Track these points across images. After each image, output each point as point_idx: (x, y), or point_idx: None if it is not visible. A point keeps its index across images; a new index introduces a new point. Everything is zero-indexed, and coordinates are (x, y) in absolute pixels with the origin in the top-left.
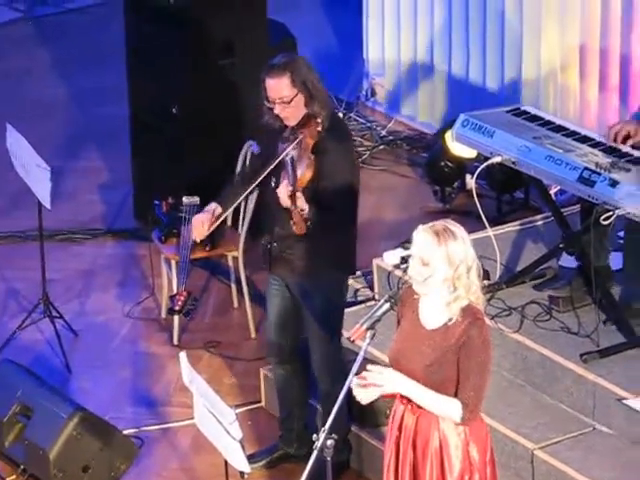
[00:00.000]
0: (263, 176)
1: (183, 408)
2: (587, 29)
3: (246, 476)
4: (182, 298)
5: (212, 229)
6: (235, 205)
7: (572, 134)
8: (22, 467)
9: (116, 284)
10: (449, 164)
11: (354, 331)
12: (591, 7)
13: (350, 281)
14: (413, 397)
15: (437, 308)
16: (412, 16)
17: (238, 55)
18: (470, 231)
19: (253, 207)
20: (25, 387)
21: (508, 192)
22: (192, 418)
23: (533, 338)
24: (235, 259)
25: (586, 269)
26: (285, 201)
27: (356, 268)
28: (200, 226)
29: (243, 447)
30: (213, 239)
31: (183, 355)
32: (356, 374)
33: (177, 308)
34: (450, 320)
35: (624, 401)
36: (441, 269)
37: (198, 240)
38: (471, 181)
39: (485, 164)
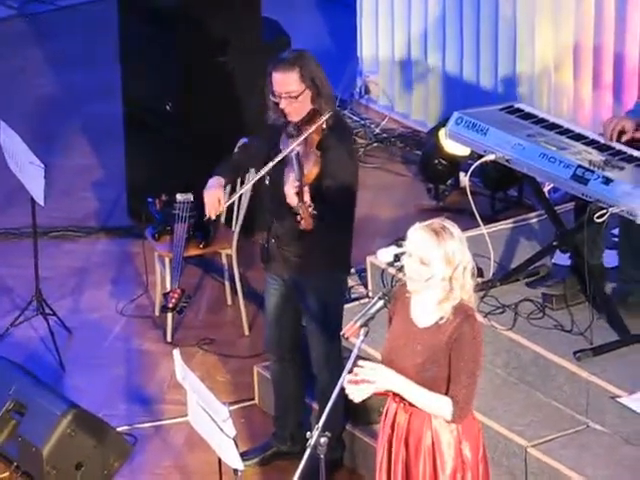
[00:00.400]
0: (271, 167)
1: (177, 405)
2: (581, 27)
3: (239, 473)
4: (176, 295)
5: (226, 206)
6: (246, 187)
7: (566, 132)
8: (15, 464)
9: (110, 281)
10: (443, 162)
11: (348, 328)
12: (585, 5)
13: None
14: (404, 394)
15: (429, 306)
16: (406, 14)
17: (232, 53)
18: (464, 229)
19: (247, 205)
20: (19, 384)
21: (502, 190)
22: (186, 415)
23: (527, 336)
24: (229, 256)
25: (580, 267)
26: (292, 198)
27: (350, 269)
28: (216, 202)
29: (236, 444)
30: (207, 236)
31: (177, 352)
32: (349, 371)
33: (170, 305)
34: (442, 319)
35: (618, 399)
36: (440, 269)
37: (213, 217)
38: (465, 179)
39: (479, 162)
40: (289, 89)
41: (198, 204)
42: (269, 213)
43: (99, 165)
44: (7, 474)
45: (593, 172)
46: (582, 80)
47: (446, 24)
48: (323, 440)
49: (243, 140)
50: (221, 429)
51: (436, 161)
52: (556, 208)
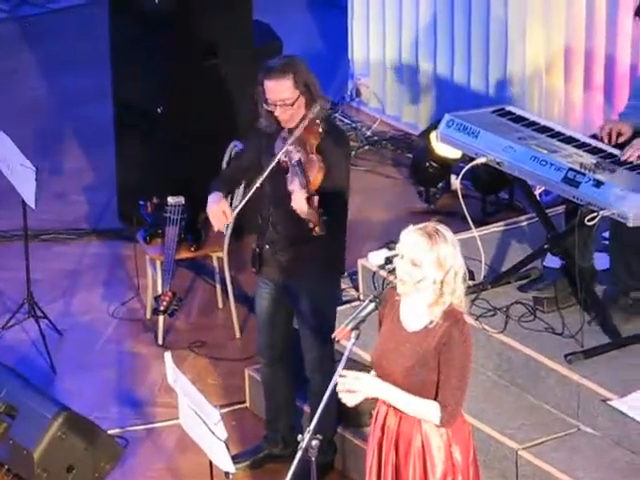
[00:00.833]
0: (268, 172)
1: (168, 408)
2: (572, 30)
3: (231, 476)
4: (167, 298)
5: (234, 216)
6: (247, 198)
7: (557, 135)
8: (6, 467)
9: (101, 284)
10: (434, 165)
11: (339, 331)
12: (576, 8)
13: (340, 284)
14: (390, 401)
15: (419, 310)
16: (397, 17)
17: (223, 56)
18: (455, 231)
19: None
20: (10, 387)
21: (493, 193)
22: (177, 418)
23: (518, 338)
24: (220, 260)
25: (571, 270)
26: (302, 206)
27: (344, 271)
28: (221, 214)
29: (228, 447)
30: (198, 239)
31: (168, 355)
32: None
33: (162, 308)
34: (431, 322)
35: (608, 402)
36: (431, 272)
37: (222, 229)
38: (456, 182)
39: (470, 165)
40: (283, 96)
41: (189, 207)
42: (263, 218)
43: (90, 168)
44: None
45: (584, 175)
46: (573, 83)
47: (437, 27)
48: (314, 443)
49: (235, 143)
50: (212, 432)
51: (427, 164)
52: (547, 211)
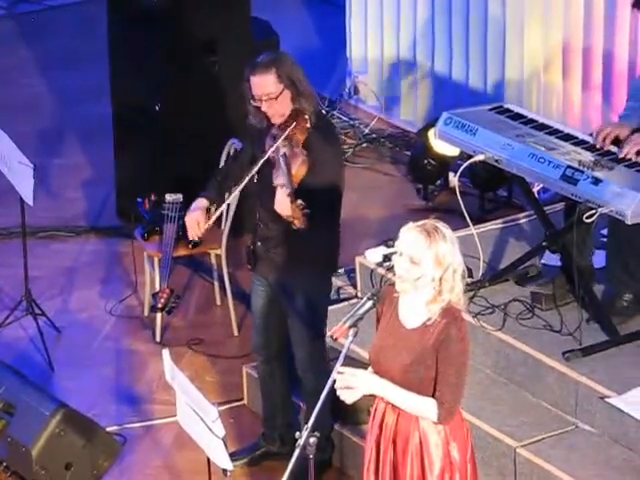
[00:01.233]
0: (255, 170)
1: (166, 405)
2: (570, 28)
3: (228, 474)
4: (165, 296)
5: (207, 228)
6: (227, 203)
7: (555, 132)
8: (4, 464)
9: (99, 281)
10: (432, 162)
11: (337, 329)
12: (574, 6)
13: (333, 279)
14: (388, 398)
15: (417, 307)
16: (395, 14)
17: (222, 53)
18: (453, 229)
19: (235, 205)
20: (8, 384)
21: (491, 190)
22: (175, 415)
23: (516, 336)
24: (218, 257)
25: (569, 267)
26: (285, 203)
27: (338, 266)
28: (195, 225)
29: (226, 445)
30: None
31: (166, 352)
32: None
33: (160, 305)
34: (429, 320)
35: (607, 399)
36: (430, 269)
37: (196, 239)
38: (454, 179)
39: (468, 162)
40: (267, 91)
41: (187, 204)
42: (255, 215)
43: (88, 165)
44: None
45: (582, 172)
46: (571, 81)
47: (435, 25)
48: (312, 440)
49: (233, 140)
50: (210, 429)
51: (425, 161)
52: (545, 208)
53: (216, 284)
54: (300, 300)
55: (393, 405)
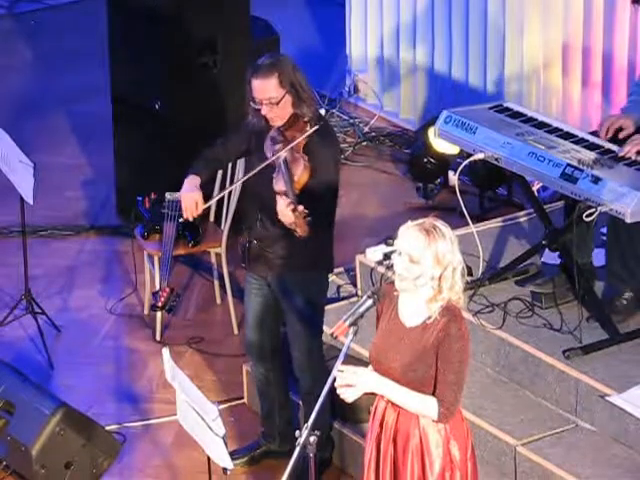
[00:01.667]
0: (252, 174)
1: (166, 404)
2: (570, 26)
3: (229, 472)
4: (165, 294)
5: (204, 209)
6: (223, 194)
7: (555, 130)
8: (4, 463)
9: (99, 280)
10: (432, 160)
11: (337, 327)
12: (574, 4)
13: (333, 277)
14: (388, 396)
15: (417, 306)
16: (395, 13)
17: (221, 52)
18: (453, 227)
19: (235, 204)
20: (7, 383)
21: (491, 188)
22: (175, 414)
23: (516, 334)
24: (218, 255)
25: (569, 266)
26: (287, 212)
27: (334, 266)
28: (194, 205)
29: (226, 443)
30: (196, 235)
31: (166, 351)
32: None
33: (160, 304)
34: (429, 318)
35: (607, 398)
36: (429, 268)
37: (191, 219)
38: (454, 177)
39: (468, 160)
40: (269, 95)
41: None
42: (251, 214)
43: (88, 164)
44: None
45: (582, 171)
46: (571, 79)
47: (435, 23)
48: (312, 439)
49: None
50: (210, 428)
51: (425, 160)
52: (545, 207)
53: (216, 283)
54: (297, 299)
55: (393, 404)
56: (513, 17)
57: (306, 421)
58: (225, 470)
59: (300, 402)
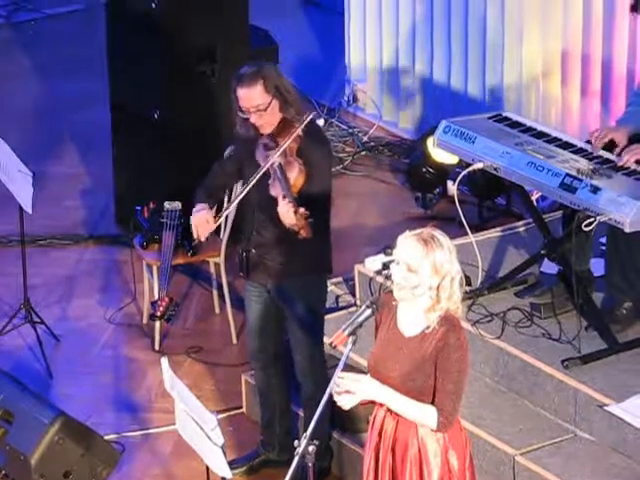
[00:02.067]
0: (254, 182)
1: (164, 414)
2: (569, 35)
3: None
4: (164, 304)
5: (215, 227)
6: (231, 209)
7: (554, 140)
8: (3, 472)
9: (98, 290)
10: (431, 170)
11: (336, 337)
12: (573, 13)
13: (331, 287)
14: (387, 404)
15: (415, 315)
16: (394, 23)
17: (220, 61)
18: (452, 237)
19: (234, 214)
20: (6, 392)
21: (490, 198)
22: (173, 424)
23: (514, 344)
24: (217, 265)
25: (567, 275)
26: (289, 217)
27: (333, 268)
28: (205, 223)
29: (224, 453)
30: (195, 245)
31: (165, 361)
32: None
33: (159, 314)
34: (428, 328)
35: (605, 407)
36: (427, 277)
37: (203, 238)
38: (453, 187)
39: (467, 170)
40: (256, 103)
41: (185, 212)
42: (248, 222)
43: (87, 173)
44: None
45: (581, 181)
46: (570, 88)
47: (434, 33)
48: (311, 448)
49: (231, 148)
50: (209, 437)
51: (424, 169)
52: (544, 216)
53: (215, 292)
54: (298, 304)
55: (392, 413)
56: (512, 26)
57: (306, 429)
58: (224, 479)
59: (300, 412)
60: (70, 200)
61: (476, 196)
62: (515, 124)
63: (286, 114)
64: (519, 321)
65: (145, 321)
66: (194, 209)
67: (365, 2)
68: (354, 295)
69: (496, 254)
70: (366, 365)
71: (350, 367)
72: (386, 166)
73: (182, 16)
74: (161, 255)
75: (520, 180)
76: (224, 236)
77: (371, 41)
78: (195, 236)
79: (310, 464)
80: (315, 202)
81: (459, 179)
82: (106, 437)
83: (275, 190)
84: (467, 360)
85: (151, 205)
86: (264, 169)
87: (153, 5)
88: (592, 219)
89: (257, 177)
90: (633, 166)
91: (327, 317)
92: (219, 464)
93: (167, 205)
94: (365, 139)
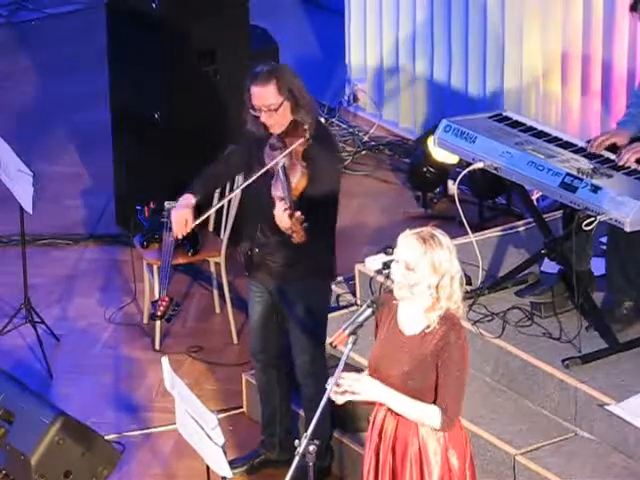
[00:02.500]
0: (251, 180)
1: (165, 413)
2: (569, 35)
3: None
4: (164, 303)
5: (194, 227)
6: (216, 208)
7: (554, 140)
8: (3, 472)
9: (98, 289)
10: (431, 170)
11: (336, 336)
12: (573, 13)
13: (332, 286)
14: (390, 405)
15: (416, 314)
16: (394, 22)
17: (220, 61)
18: (452, 236)
19: (235, 213)
20: (7, 392)
21: (490, 198)
22: (174, 423)
23: (515, 344)
24: (217, 264)
25: (568, 275)
26: (284, 220)
27: (336, 273)
28: (183, 222)
29: (225, 452)
30: (195, 244)
31: (165, 360)
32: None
33: (159, 313)
34: (428, 327)
35: (606, 407)
36: (426, 276)
37: (180, 237)
38: (453, 187)
39: (467, 170)
40: (268, 102)
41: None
42: (252, 223)
43: (87, 173)
44: None
45: (581, 180)
46: (570, 88)
47: (434, 32)
48: (312, 448)
49: (232, 147)
50: (209, 437)
51: (424, 169)
52: (544, 216)
53: (215, 292)
54: (300, 307)
55: (393, 412)
56: (512, 26)
57: (307, 429)
58: (224, 479)
59: (300, 412)
60: (70, 200)
61: (476, 196)
62: (515, 124)
63: (297, 116)
64: (519, 320)
65: (145, 321)
66: (180, 199)
67: (365, 2)
68: (354, 295)
69: (496, 253)
70: (366, 364)
71: (350, 367)
72: (387, 166)
73: (182, 16)
74: (161, 255)
75: (520, 179)
76: (224, 236)
77: (371, 41)
78: (174, 234)
79: (310, 464)
80: (318, 206)
81: (459, 178)
82: (106, 437)
83: (276, 191)
84: (468, 359)
85: (151, 205)
86: (265, 169)
87: (153, 5)
88: (592, 218)
89: (255, 177)
90: (633, 165)
91: (328, 317)
92: (219, 464)
93: (167, 205)
94: (365, 139)
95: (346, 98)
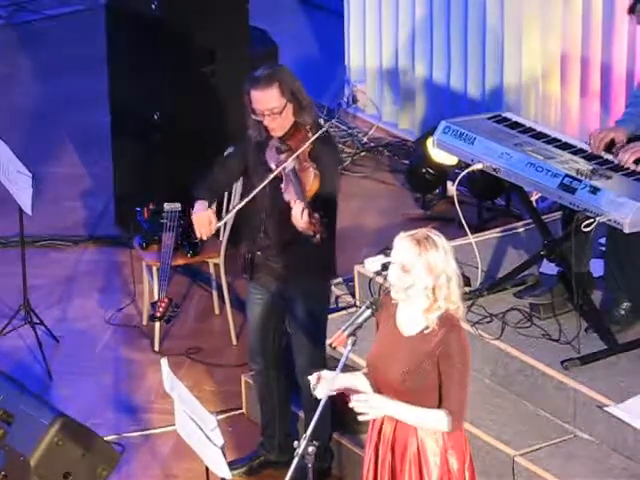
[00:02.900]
0: (263, 185)
1: (164, 414)
2: (568, 36)
3: None
4: (163, 305)
5: (219, 226)
6: (238, 208)
7: (553, 141)
8: (3, 473)
9: (97, 290)
10: (430, 171)
11: (335, 337)
12: (572, 14)
13: (332, 287)
14: (400, 417)
15: (415, 315)
16: (393, 24)
17: (220, 62)
18: (451, 238)
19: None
20: (6, 393)
21: (489, 199)
22: (173, 424)
23: (514, 345)
24: (216, 266)
25: (567, 276)
26: (304, 222)
27: (337, 274)
28: (206, 223)
29: (224, 453)
30: (195, 245)
31: (164, 361)
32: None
33: (158, 315)
34: (427, 328)
35: (605, 408)
36: (421, 277)
37: (205, 238)
38: (452, 188)
39: (466, 171)
40: (271, 106)
41: (185, 213)
42: (254, 224)
43: (87, 174)
44: None
45: (580, 181)
46: (569, 89)
47: (433, 33)
48: (311, 449)
49: (231, 149)
50: (209, 438)
51: (424, 170)
52: (543, 217)
53: (215, 293)
54: (301, 308)
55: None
56: (511, 27)
57: (306, 431)
58: None
59: (300, 413)
60: (70, 201)
61: (475, 197)
62: (514, 125)
63: (299, 118)
64: (519, 322)
65: (145, 322)
66: (195, 206)
67: (365, 2)
68: (354, 296)
69: (495, 255)
70: (365, 365)
71: (350, 368)
72: (386, 167)
73: (182, 17)
74: (161, 256)
75: (519, 181)
76: (224, 237)
77: (371, 42)
78: (198, 235)
79: (310, 465)
80: (327, 205)
81: (458, 180)
82: (106, 438)
83: (289, 195)
84: (469, 360)
85: (151, 206)
86: (276, 172)
87: (153, 6)
88: (591, 220)
89: (267, 181)
90: (632, 166)
91: (327, 318)
92: (219, 465)
93: (167, 206)
94: (365, 140)
95: (345, 99)
